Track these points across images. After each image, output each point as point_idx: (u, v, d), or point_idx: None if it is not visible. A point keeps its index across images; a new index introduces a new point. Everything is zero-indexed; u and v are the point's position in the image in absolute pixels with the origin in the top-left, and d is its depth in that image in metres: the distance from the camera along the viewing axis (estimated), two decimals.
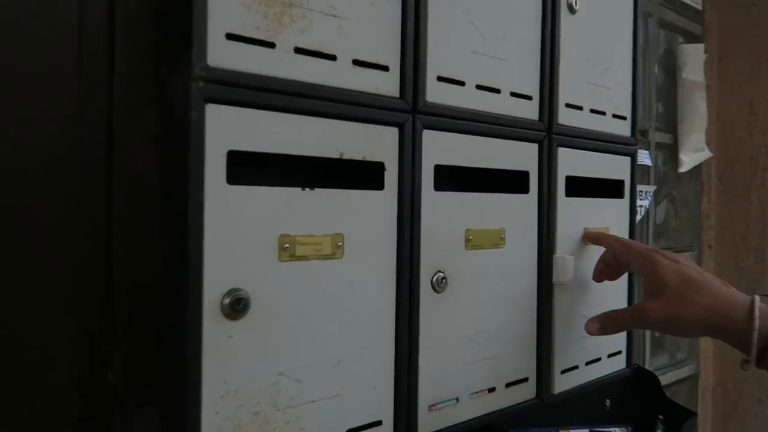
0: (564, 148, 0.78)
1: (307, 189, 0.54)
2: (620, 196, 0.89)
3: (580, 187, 0.82)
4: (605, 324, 0.71)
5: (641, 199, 1.11)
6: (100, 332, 0.50)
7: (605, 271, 0.79)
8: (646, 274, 0.69)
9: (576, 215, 0.80)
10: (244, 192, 0.50)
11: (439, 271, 0.64)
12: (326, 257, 0.55)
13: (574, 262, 0.77)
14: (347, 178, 0.58)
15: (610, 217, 0.86)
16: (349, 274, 0.57)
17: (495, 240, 0.70)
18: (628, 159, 0.90)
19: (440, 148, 0.64)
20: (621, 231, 0.88)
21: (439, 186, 0.64)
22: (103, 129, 0.50)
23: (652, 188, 1.16)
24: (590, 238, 0.81)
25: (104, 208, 0.50)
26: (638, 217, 1.10)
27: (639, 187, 1.11)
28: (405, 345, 0.61)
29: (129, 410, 0.50)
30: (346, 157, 0.57)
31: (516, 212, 0.73)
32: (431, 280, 0.64)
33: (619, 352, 0.89)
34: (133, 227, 0.51)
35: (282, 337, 0.52)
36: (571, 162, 0.79)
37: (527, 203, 0.74)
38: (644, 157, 1.12)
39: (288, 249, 0.52)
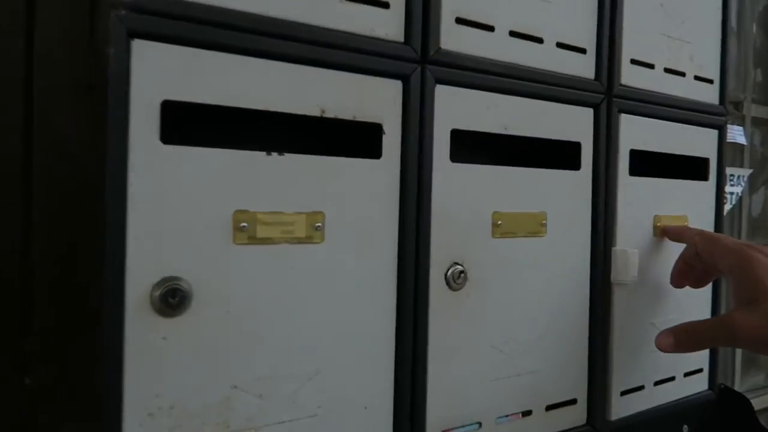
0: (628, 114, 0.62)
1: (275, 154, 0.43)
2: (703, 177, 0.72)
3: (650, 164, 0.67)
4: (681, 339, 0.55)
5: (732, 185, 0.92)
6: (18, 329, 0.41)
7: (685, 272, 0.63)
8: (737, 276, 0.53)
9: (643, 199, 0.64)
10: (184, 154, 0.39)
11: (456, 264, 0.51)
12: (300, 241, 0.43)
13: (639, 257, 0.62)
14: (331, 142, 0.46)
15: (688, 203, 0.69)
16: (332, 263, 0.45)
17: (533, 226, 0.56)
18: (714, 133, 0.73)
19: (459, 108, 0.51)
20: (704, 222, 0.71)
21: (457, 156, 0.51)
22: (18, 80, 0.41)
23: (746, 172, 0.97)
24: (666, 231, 0.65)
25: (20, 178, 0.41)
26: (727, 206, 0.91)
27: (729, 170, 0.92)
28: (408, 354, 0.49)
29: (50, 423, 0.41)
30: (329, 115, 0.45)
31: (562, 193, 0.58)
32: (445, 274, 0.51)
33: (700, 370, 0.73)
34: (57, 202, 0.41)
35: (236, 340, 0.41)
36: (638, 132, 0.63)
37: (578, 182, 0.59)
38: (737, 134, 0.93)
39: (245, 229, 0.41)
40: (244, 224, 0.41)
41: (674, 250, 0.66)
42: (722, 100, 0.73)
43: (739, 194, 0.94)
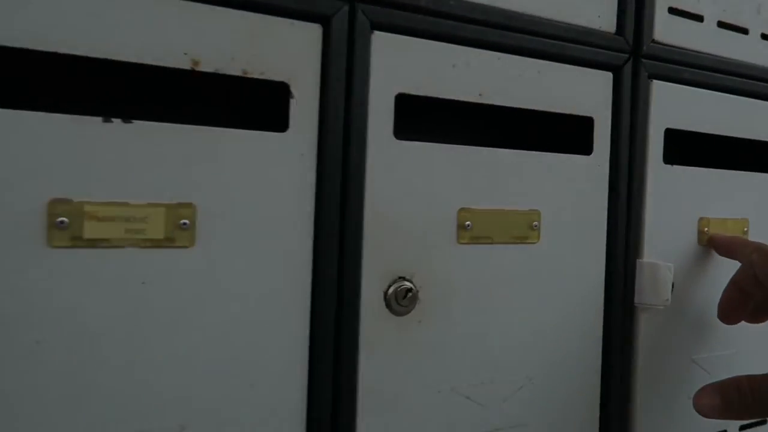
0: (662, 81, 0.47)
1: (117, 121, 0.30)
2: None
3: (695, 149, 0.50)
4: (732, 399, 0.38)
5: None
6: None
7: (739, 303, 0.46)
8: None
9: (683, 195, 0.48)
10: None
11: (402, 279, 0.37)
12: (156, 245, 0.31)
13: (676, 273, 0.46)
14: (216, 106, 0.33)
15: (751, 203, 0.53)
16: (203, 277, 0.32)
17: (520, 229, 0.41)
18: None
19: (407, 66, 0.37)
20: None
21: (404, 131, 0.37)
22: None
23: None
24: (715, 242, 0.49)
25: None
26: None
27: None
28: (324, 402, 0.35)
29: None
30: (205, 68, 0.32)
31: (566, 185, 0.43)
32: (385, 293, 0.37)
33: (764, 422, 0.55)
34: None
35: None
36: (677, 106, 0.47)
37: (589, 170, 0.44)
38: None
39: (64, 226, 0.29)
40: (62, 219, 0.29)
41: (729, 265, 0.49)
42: None
43: None
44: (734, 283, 0.45)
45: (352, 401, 0.36)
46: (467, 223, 0.39)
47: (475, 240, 0.39)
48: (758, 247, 0.44)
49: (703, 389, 0.39)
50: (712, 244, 0.49)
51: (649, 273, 0.45)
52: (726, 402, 0.38)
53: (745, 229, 0.52)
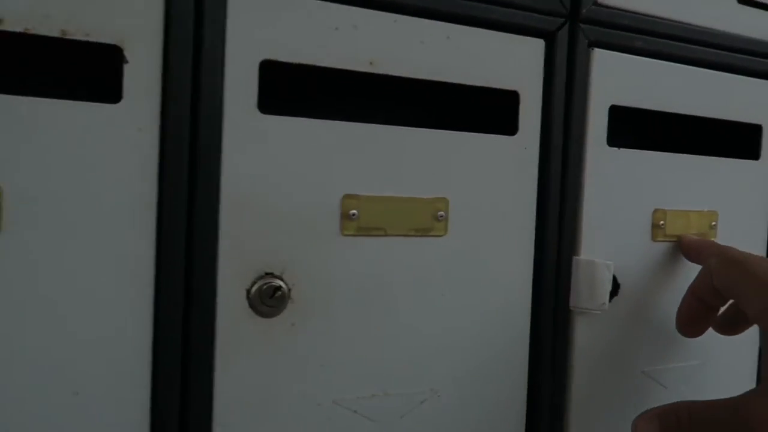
0: (607, 50, 0.40)
1: None
2: (750, 154, 0.47)
3: (649, 130, 0.44)
4: (667, 428, 0.33)
5: None
6: None
7: (698, 313, 0.40)
8: None
9: (633, 184, 0.42)
10: None
11: (270, 275, 0.32)
12: None
13: (622, 272, 0.40)
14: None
15: (721, 195, 0.46)
16: (13, 275, 0.28)
17: (421, 220, 0.36)
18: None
19: (276, 29, 0.32)
20: (749, 226, 0.47)
21: (271, 106, 0.32)
22: None
23: None
24: (684, 246, 0.43)
25: None
26: None
27: None
28: (170, 416, 0.30)
29: None
30: (10, 28, 0.27)
31: (482, 169, 0.37)
32: (248, 292, 0.32)
33: None
34: None
35: None
36: (625, 79, 0.41)
37: (514, 153, 0.38)
38: None
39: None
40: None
41: (691, 265, 0.43)
42: None
43: None
44: (692, 291, 0.39)
45: (206, 415, 0.31)
46: (352, 211, 0.34)
47: (364, 232, 0.34)
48: (719, 252, 0.38)
49: (644, 413, 0.35)
50: (680, 246, 0.43)
51: (585, 272, 0.39)
52: (663, 428, 0.33)
53: (714, 223, 0.45)
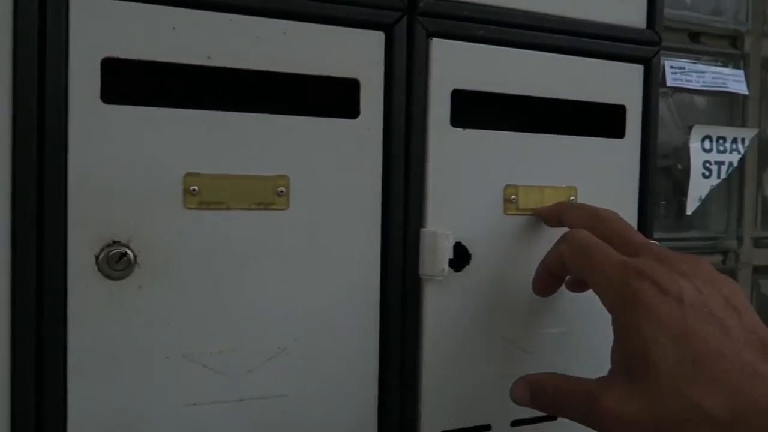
0: (446, 40, 0.44)
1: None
2: (615, 133, 0.50)
3: (508, 112, 0.47)
4: (536, 396, 0.37)
5: (721, 151, 0.66)
6: None
7: (550, 282, 0.44)
8: (618, 323, 0.34)
9: (482, 162, 0.45)
10: None
11: (117, 243, 0.37)
12: None
13: (484, 241, 0.44)
14: None
15: (579, 171, 0.49)
16: None
17: (262, 195, 0.40)
18: (636, 69, 0.50)
19: (116, 28, 0.37)
20: (618, 204, 0.50)
21: (111, 94, 0.37)
22: None
23: (749, 133, 0.69)
24: (543, 215, 0.46)
25: None
26: (709, 183, 0.64)
27: (718, 130, 0.66)
28: (27, 367, 0.36)
29: None
30: None
31: (324, 150, 0.41)
32: (97, 257, 0.37)
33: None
34: None
35: None
36: (467, 65, 0.44)
37: (356, 135, 0.42)
38: (733, 80, 0.66)
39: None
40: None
41: (542, 237, 0.46)
42: (652, 22, 0.50)
43: (735, 165, 0.67)
44: (543, 265, 0.43)
45: (60, 365, 0.36)
46: (193, 187, 0.38)
47: (205, 205, 0.39)
48: (569, 237, 0.39)
49: (520, 379, 0.38)
50: (541, 216, 0.46)
51: (428, 242, 0.43)
52: (534, 397, 0.37)
53: (572, 197, 0.48)
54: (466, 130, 0.44)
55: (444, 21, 0.43)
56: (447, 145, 0.44)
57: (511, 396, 0.38)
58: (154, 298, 0.38)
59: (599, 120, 0.50)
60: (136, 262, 0.38)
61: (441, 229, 0.43)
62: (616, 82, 0.49)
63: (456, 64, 0.44)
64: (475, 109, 0.46)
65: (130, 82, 0.39)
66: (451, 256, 0.43)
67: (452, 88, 0.44)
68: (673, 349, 0.30)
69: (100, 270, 0.37)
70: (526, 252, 0.46)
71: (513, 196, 0.46)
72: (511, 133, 0.46)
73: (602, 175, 0.49)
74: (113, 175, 0.37)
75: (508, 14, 0.45)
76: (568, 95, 0.48)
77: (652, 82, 0.50)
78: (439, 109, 0.43)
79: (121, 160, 0.37)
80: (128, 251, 0.37)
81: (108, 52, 0.36)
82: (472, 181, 0.45)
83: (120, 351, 0.38)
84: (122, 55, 0.37)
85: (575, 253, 0.38)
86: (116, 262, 0.37)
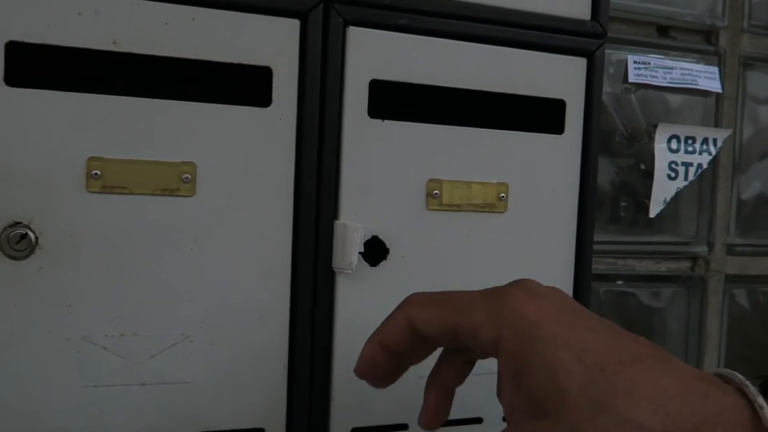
0: (365, 28, 0.43)
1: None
2: (554, 128, 0.48)
3: (445, 103, 0.46)
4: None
5: (689, 152, 0.62)
6: None
7: (391, 367, 0.33)
8: (509, 358, 0.27)
9: (403, 155, 0.44)
10: None
11: (19, 224, 0.38)
12: None
13: (404, 235, 0.43)
14: None
15: (512, 167, 0.47)
16: None
17: (167, 181, 0.40)
18: (578, 63, 0.48)
19: (20, 14, 0.37)
20: (555, 199, 0.48)
21: (15, 77, 0.38)
22: None
23: (722, 133, 0.65)
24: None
25: None
26: (676, 184, 0.60)
27: (689, 129, 0.62)
28: None
29: None
30: None
31: (232, 138, 0.41)
32: None
33: (479, 420, 0.48)
34: None
35: None
36: (386, 55, 0.44)
37: (267, 124, 0.42)
38: (705, 77, 0.63)
39: None
40: None
41: (469, 230, 0.45)
42: (597, 14, 0.48)
43: (705, 166, 0.63)
44: (382, 345, 0.32)
45: None
46: (95, 171, 0.39)
47: (108, 189, 0.39)
48: (412, 300, 0.32)
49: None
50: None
51: (339, 234, 0.42)
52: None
53: (502, 194, 0.46)
54: (386, 121, 0.43)
55: (363, 9, 0.43)
56: (364, 137, 0.43)
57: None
58: (55, 280, 0.39)
59: (539, 115, 0.49)
60: (37, 243, 0.38)
61: (354, 221, 0.42)
62: (555, 76, 0.48)
63: (375, 54, 0.43)
64: (409, 101, 0.45)
65: (37, 66, 0.39)
66: (362, 250, 0.42)
67: (370, 78, 0.43)
68: (576, 363, 0.25)
69: (1, 249, 0.38)
70: (448, 249, 0.45)
71: (436, 191, 0.45)
72: (435, 125, 0.45)
73: (538, 172, 0.48)
74: (16, 157, 0.38)
75: (435, 3, 0.44)
76: (504, 89, 0.46)
77: (595, 76, 0.48)
78: (355, 99, 0.43)
79: (23, 143, 0.38)
80: (29, 232, 0.38)
81: (12, 36, 0.37)
82: (392, 174, 0.44)
83: (19, 331, 0.38)
84: (26, 39, 0.38)
85: (427, 307, 0.30)
86: (17, 243, 0.38)
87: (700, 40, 0.64)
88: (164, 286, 0.41)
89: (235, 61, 0.41)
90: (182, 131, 0.40)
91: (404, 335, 0.31)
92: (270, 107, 0.42)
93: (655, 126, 0.61)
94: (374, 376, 0.32)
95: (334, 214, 0.43)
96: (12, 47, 0.37)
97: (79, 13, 0.38)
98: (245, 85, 0.42)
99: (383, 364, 0.32)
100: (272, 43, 0.42)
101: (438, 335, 0.30)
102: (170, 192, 0.40)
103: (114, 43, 0.39)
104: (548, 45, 0.47)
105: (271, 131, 0.42)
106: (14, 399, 0.38)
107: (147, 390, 0.41)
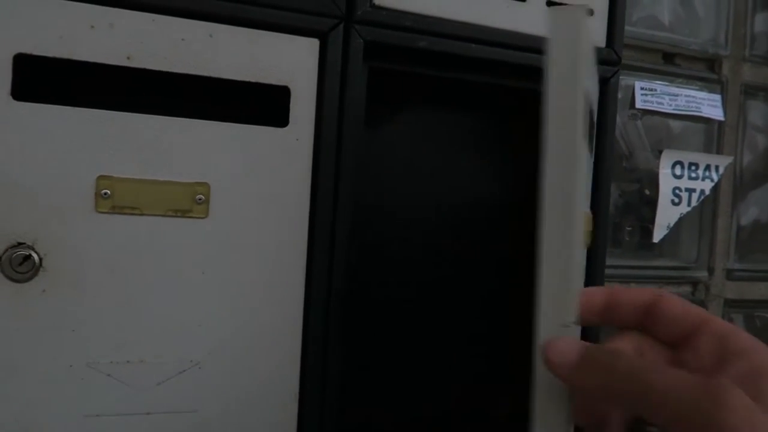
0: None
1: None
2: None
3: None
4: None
5: (693, 178, 0.62)
6: None
7: None
8: None
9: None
10: None
11: (22, 245, 0.36)
12: None
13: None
14: None
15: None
16: None
17: (181, 202, 0.39)
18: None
19: (29, 26, 0.36)
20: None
21: (23, 92, 0.36)
22: None
23: (723, 160, 0.66)
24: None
25: None
26: (679, 210, 0.60)
27: (691, 156, 0.63)
28: None
29: None
30: None
31: (247, 157, 0.40)
32: None
33: None
34: None
35: None
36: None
37: (281, 143, 0.41)
38: (707, 105, 0.63)
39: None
40: None
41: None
42: (611, 39, 0.48)
43: (707, 193, 0.64)
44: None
45: None
46: (105, 191, 0.37)
47: (118, 210, 0.38)
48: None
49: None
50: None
51: None
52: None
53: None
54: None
55: (380, 30, 0.42)
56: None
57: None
58: (59, 304, 0.37)
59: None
60: (41, 265, 0.36)
61: None
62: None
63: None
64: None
65: (46, 80, 0.38)
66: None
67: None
68: None
69: (2, 271, 0.36)
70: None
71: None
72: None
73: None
74: (21, 174, 0.36)
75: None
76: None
77: (609, 103, 0.48)
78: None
79: (30, 159, 0.36)
80: (33, 253, 0.36)
81: (20, 48, 0.35)
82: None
83: (20, 356, 0.36)
84: (35, 52, 0.36)
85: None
86: (19, 264, 0.36)
87: (704, 68, 0.65)
88: (173, 311, 0.39)
89: (253, 79, 0.40)
90: (196, 150, 0.39)
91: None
92: (287, 127, 0.41)
93: (660, 152, 0.62)
94: None
95: None
96: (20, 60, 0.36)
97: (92, 26, 0.37)
98: (261, 105, 0.41)
99: None
100: (291, 62, 0.40)
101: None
102: (182, 213, 0.39)
103: (128, 58, 0.37)
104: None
105: (287, 151, 0.41)
106: (13, 428, 0.36)
107: (153, 420, 0.39)
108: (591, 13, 0.46)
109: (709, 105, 0.63)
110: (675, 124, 0.64)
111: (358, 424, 0.52)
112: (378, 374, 0.54)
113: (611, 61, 0.48)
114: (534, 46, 0.46)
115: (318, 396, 0.42)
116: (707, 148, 0.65)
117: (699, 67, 0.65)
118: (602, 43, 0.48)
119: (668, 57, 0.62)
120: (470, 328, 0.57)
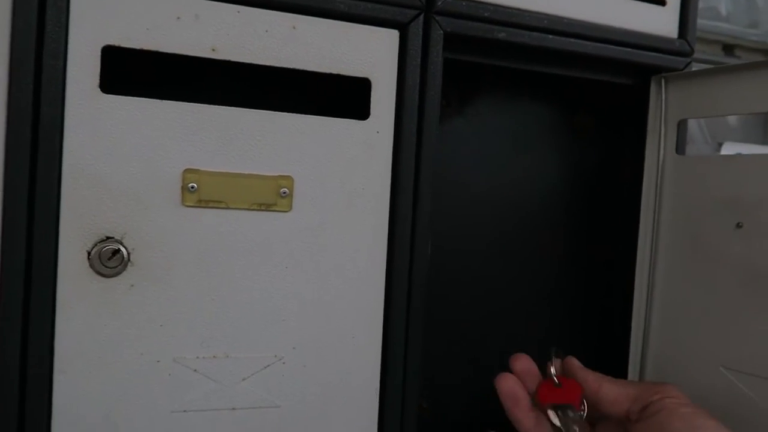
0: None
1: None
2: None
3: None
4: None
5: None
6: None
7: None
8: None
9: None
10: None
11: (111, 239, 0.36)
12: None
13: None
14: None
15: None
16: None
17: (264, 195, 0.38)
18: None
19: (117, 18, 0.35)
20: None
21: (110, 84, 0.36)
22: None
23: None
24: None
25: None
26: None
27: (752, 148, 0.62)
28: (11, 360, 0.34)
29: None
30: None
31: (330, 150, 0.40)
32: (89, 253, 0.35)
33: None
34: None
35: None
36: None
37: (362, 136, 0.40)
38: None
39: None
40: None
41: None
42: (684, 31, 0.48)
43: None
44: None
45: (46, 361, 0.35)
46: (192, 184, 0.37)
47: (203, 203, 0.37)
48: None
49: None
50: None
51: None
52: None
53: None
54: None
55: (464, 22, 0.41)
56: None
57: None
58: (147, 298, 0.36)
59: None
60: (129, 259, 0.36)
61: None
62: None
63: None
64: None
65: (131, 72, 0.37)
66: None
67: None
68: None
69: (91, 266, 0.35)
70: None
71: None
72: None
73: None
74: (109, 168, 0.35)
75: None
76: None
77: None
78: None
79: (118, 153, 0.36)
80: (122, 248, 0.36)
81: (108, 40, 0.35)
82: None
83: (109, 351, 0.36)
84: (123, 44, 0.35)
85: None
86: (109, 259, 0.36)
87: (763, 58, 0.65)
88: (258, 306, 0.39)
89: (335, 71, 0.39)
90: (280, 143, 0.38)
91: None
92: (368, 120, 0.40)
93: (720, 144, 0.61)
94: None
95: None
96: (108, 52, 0.35)
97: (179, 18, 0.36)
98: (342, 97, 0.41)
99: None
100: (371, 53, 0.40)
101: None
102: (267, 207, 0.38)
103: (213, 50, 0.37)
104: (639, 63, 0.46)
105: (368, 144, 0.40)
106: (103, 422, 0.36)
107: (237, 415, 0.38)
108: (663, 3, 0.46)
109: None
110: (734, 117, 0.63)
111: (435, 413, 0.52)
112: (451, 365, 0.54)
113: (684, 53, 0.48)
114: (609, 37, 0.45)
115: (399, 390, 0.41)
116: (766, 140, 0.64)
117: (758, 57, 0.64)
118: (674, 34, 0.48)
119: (728, 48, 0.62)
120: (538, 322, 0.57)
